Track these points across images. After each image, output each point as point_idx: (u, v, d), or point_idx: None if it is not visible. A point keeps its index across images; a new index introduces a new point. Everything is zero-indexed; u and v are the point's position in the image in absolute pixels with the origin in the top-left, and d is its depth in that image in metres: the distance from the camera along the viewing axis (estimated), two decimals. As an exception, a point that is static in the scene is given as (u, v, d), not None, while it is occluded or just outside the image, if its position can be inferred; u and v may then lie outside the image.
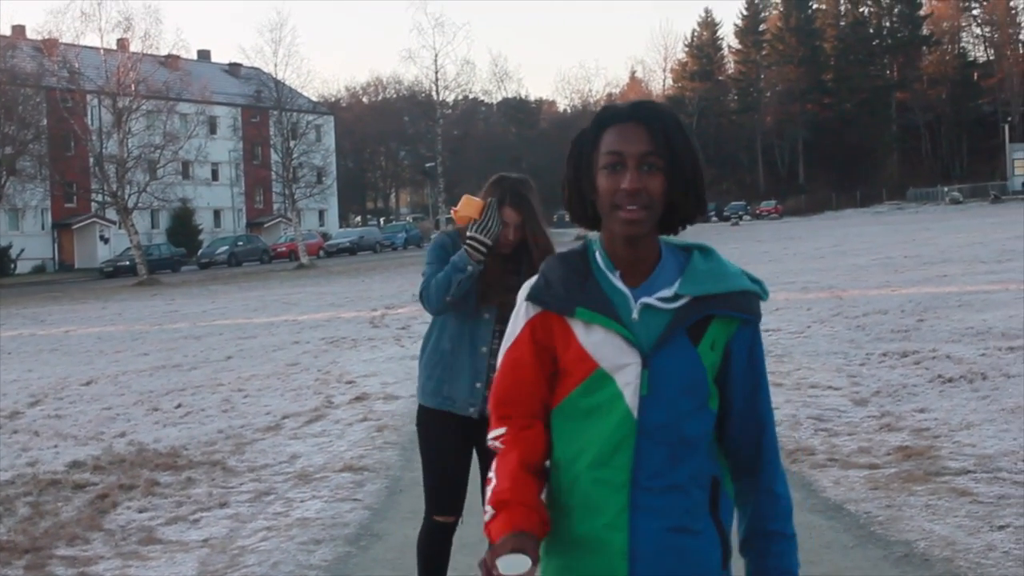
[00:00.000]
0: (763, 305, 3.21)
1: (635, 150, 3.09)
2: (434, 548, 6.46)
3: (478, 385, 6.08)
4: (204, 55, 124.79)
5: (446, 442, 6.23)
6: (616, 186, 3.08)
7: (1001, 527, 7.88)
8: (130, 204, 69.05)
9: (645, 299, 3.14)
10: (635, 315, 3.13)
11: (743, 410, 3.34)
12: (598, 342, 3.14)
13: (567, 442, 3.24)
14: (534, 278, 3.30)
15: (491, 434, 3.39)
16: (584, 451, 3.20)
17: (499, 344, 5.30)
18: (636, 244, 3.16)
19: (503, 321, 5.55)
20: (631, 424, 3.14)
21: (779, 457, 3.50)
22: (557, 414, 3.27)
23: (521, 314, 3.30)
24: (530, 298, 3.26)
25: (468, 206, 5.97)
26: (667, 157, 3.10)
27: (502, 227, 5.93)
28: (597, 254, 3.22)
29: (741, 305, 3.20)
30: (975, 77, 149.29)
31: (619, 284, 3.17)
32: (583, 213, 3.27)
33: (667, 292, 3.13)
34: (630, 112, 3.18)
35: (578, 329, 3.17)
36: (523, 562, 3.15)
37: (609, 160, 3.12)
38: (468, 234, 5.93)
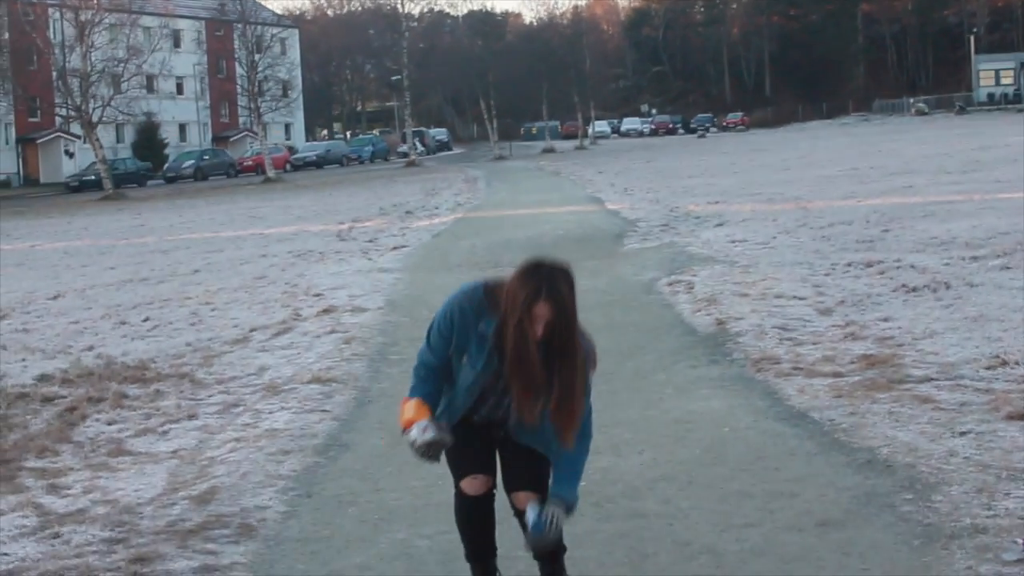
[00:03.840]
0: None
1: None
2: (473, 525, 5.61)
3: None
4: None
5: (456, 427, 5.41)
6: None
7: (962, 433, 7.97)
8: (95, 118, 68.37)
9: None
10: None
11: None
12: None
13: None
14: None
15: None
16: None
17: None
18: None
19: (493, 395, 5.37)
20: None
21: None
22: None
23: None
24: None
25: (407, 412, 5.31)
26: None
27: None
28: None
29: None
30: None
31: None
32: None
33: None
34: None
35: None
36: None
37: None
38: (409, 438, 5.28)
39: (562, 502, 5.24)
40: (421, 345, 5.47)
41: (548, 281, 5.12)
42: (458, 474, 5.53)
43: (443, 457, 5.42)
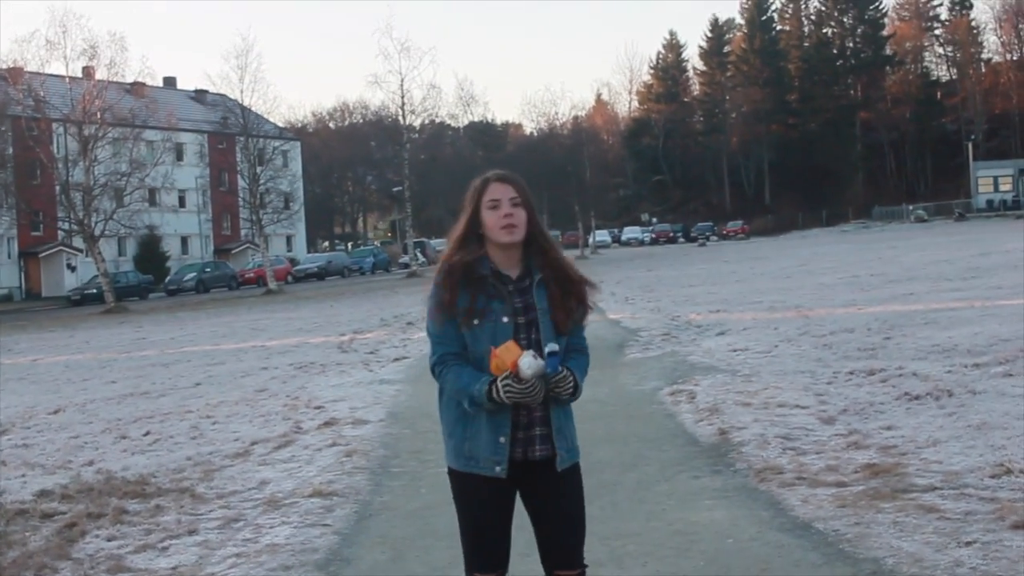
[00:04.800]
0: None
1: None
2: None
3: (502, 440, 5.30)
4: (170, 82, 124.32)
5: (483, 503, 5.40)
6: None
7: (968, 543, 7.92)
8: (97, 232, 68.73)
9: None
10: None
11: None
12: None
13: None
14: None
15: None
16: None
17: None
18: None
19: (523, 334, 5.31)
20: None
21: None
22: None
23: None
24: None
25: (509, 352, 5.12)
26: None
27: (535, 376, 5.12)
28: None
29: None
30: (938, 96, 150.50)
31: None
32: None
33: None
34: None
35: None
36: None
37: None
38: (506, 386, 5.10)
39: (575, 377, 5.33)
40: (430, 352, 5.44)
41: (494, 172, 5.47)
42: (476, 566, 5.44)
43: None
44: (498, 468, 5.30)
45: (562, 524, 5.45)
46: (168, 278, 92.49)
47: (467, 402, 5.25)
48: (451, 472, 5.48)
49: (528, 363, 5.04)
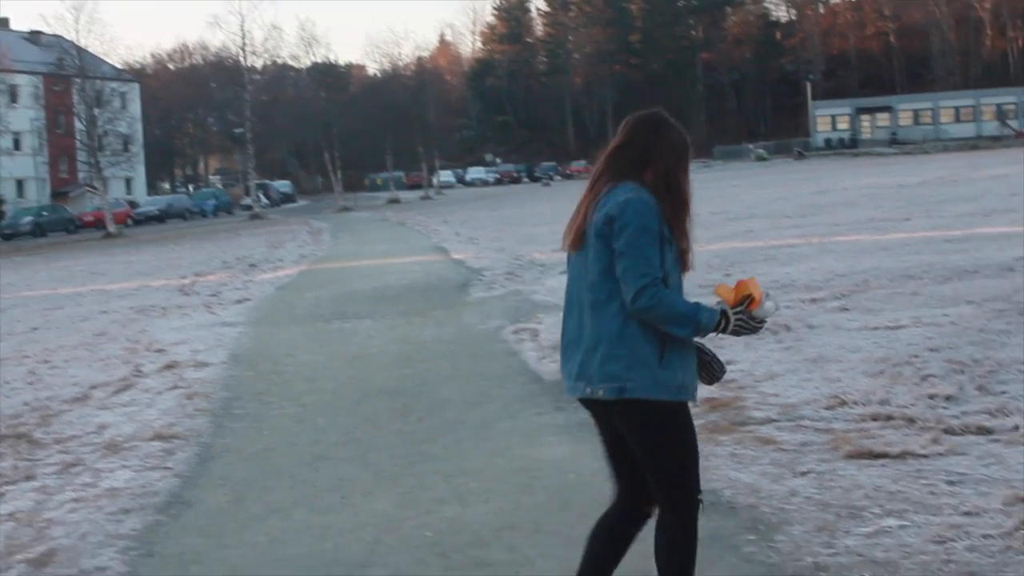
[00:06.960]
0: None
1: None
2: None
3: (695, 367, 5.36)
4: (2, 23, 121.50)
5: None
6: None
7: (803, 473, 8.07)
8: (-72, 176, 67.30)
9: None
10: None
11: None
12: None
13: None
14: None
15: None
16: None
17: None
18: None
19: None
20: None
21: None
22: None
23: None
24: None
25: (756, 288, 5.30)
26: None
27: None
28: None
29: None
30: (778, 37, 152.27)
31: None
32: None
33: None
34: None
35: None
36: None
37: None
38: (739, 318, 5.26)
39: None
40: (640, 272, 5.16)
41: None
42: (699, 488, 5.53)
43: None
44: (696, 393, 5.33)
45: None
46: (3, 222, 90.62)
47: (689, 328, 5.13)
48: (662, 405, 5.16)
49: (773, 304, 5.28)
